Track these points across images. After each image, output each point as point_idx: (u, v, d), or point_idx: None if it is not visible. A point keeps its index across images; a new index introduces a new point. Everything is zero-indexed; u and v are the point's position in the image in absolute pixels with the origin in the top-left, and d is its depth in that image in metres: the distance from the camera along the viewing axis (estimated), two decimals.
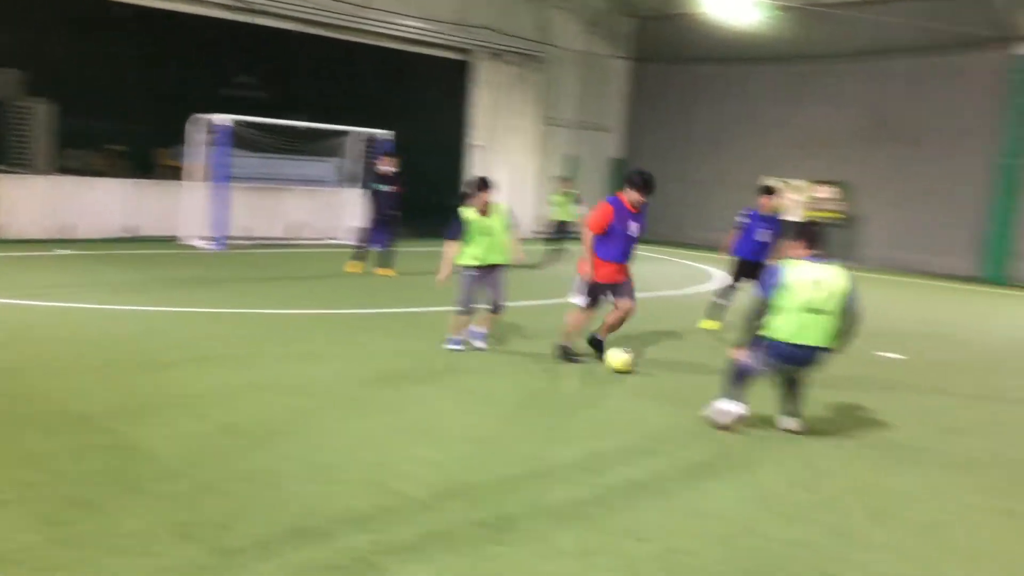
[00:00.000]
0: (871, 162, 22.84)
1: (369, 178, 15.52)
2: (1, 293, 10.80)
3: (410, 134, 21.33)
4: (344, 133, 20.28)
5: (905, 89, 22.33)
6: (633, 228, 8.47)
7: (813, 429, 6.84)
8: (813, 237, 6.61)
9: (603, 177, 27.32)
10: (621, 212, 8.40)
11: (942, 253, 21.69)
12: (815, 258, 6.52)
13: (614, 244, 8.44)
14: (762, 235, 11.11)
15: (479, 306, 9.03)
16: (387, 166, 14.92)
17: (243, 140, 18.32)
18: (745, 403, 6.66)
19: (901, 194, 22.49)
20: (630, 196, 8.39)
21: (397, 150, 19.58)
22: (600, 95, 27.07)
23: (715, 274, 18.33)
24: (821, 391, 7.74)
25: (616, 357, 8.45)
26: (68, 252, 15.40)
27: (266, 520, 4.55)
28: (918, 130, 22.09)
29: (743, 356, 6.59)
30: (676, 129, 26.61)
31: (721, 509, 5.12)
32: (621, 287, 8.63)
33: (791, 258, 6.67)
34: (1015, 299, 17.92)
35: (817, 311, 6.32)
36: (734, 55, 24.95)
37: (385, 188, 14.66)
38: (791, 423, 6.76)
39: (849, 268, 6.72)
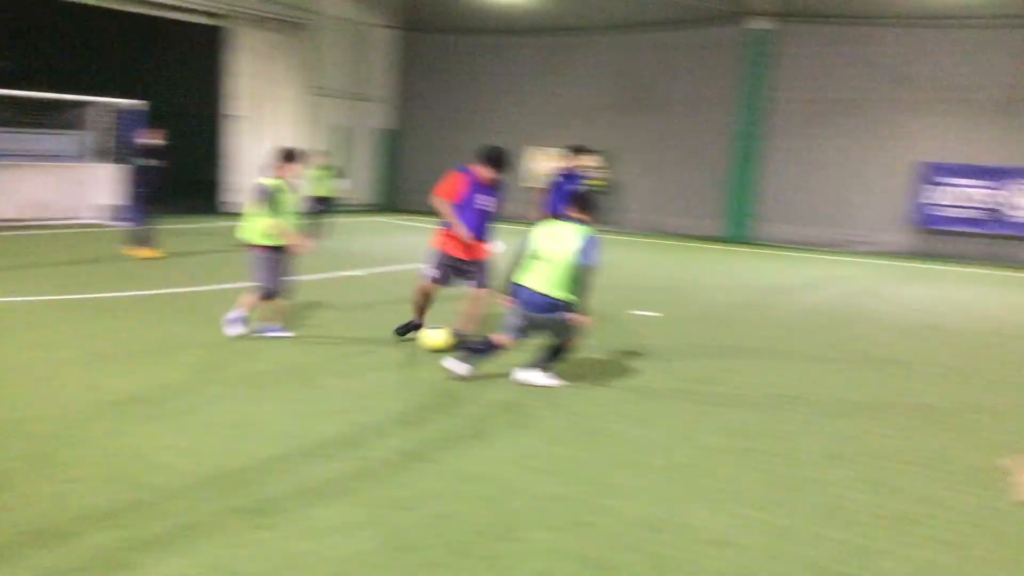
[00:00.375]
0: (629, 131, 24.05)
1: (129, 152, 14.32)
2: None
3: (166, 105, 20.12)
4: (89, 104, 18.78)
5: (656, 61, 23.62)
6: (485, 202, 8.20)
7: (571, 385, 7.15)
8: (583, 203, 7.25)
9: (373, 149, 27.08)
10: (473, 184, 8.19)
11: (695, 216, 23.26)
12: (577, 220, 7.13)
13: (464, 217, 8.14)
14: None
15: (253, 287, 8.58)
16: (152, 139, 13.84)
17: None
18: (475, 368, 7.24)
19: (657, 161, 23.85)
20: (482, 172, 8.19)
21: (152, 122, 18.37)
22: (368, 65, 26.72)
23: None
24: (581, 351, 8.10)
25: (432, 336, 8.22)
26: None
27: None
28: (669, 100, 23.48)
29: (505, 303, 7.27)
30: (445, 100, 26.77)
31: (485, 471, 5.25)
32: (471, 267, 8.25)
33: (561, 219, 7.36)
34: (756, 257, 19.53)
35: (549, 261, 6.96)
36: (497, 27, 25.38)
37: (148, 162, 13.59)
38: (531, 375, 7.22)
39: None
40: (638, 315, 10.79)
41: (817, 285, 15.01)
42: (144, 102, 18.32)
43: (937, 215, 20.68)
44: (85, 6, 20.09)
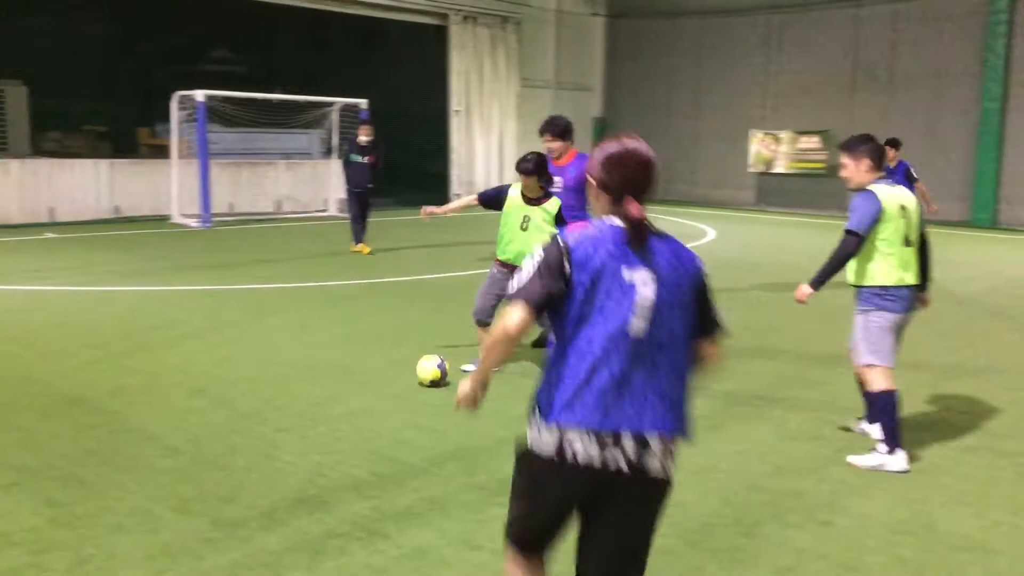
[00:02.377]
0: (851, 110, 22.82)
1: (346, 149, 15.00)
2: None
3: (389, 102, 21.22)
4: (323, 104, 20.08)
5: (882, 34, 22.24)
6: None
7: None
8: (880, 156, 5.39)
9: (586, 138, 27.22)
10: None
11: (937, 200, 21.71)
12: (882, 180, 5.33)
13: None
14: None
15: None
16: (363, 136, 14.51)
17: (222, 115, 18.13)
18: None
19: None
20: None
21: (375, 119, 19.29)
22: (578, 54, 26.89)
23: (708, 231, 18.38)
24: None
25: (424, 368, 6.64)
26: (54, 236, 15.30)
27: (266, 491, 4.59)
28: (899, 76, 22.05)
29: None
30: (656, 85, 26.49)
31: (718, 463, 5.18)
32: None
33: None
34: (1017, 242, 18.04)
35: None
36: (710, 7, 24.85)
37: (359, 159, 14.06)
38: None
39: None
40: None
41: None
42: (366, 100, 19.27)
43: None
44: (316, 11, 21.47)
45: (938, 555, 4.08)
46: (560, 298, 2.65)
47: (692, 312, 2.73)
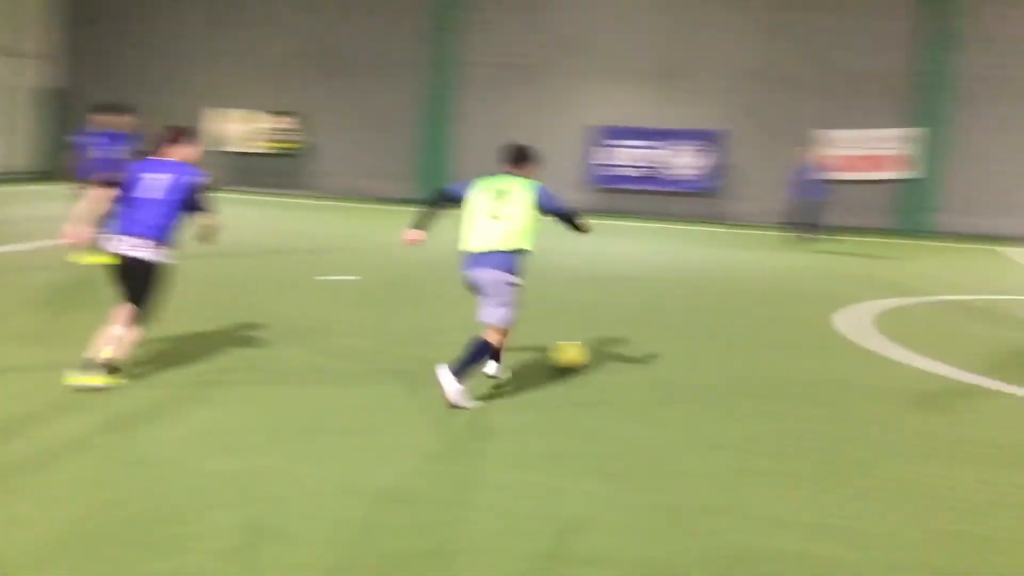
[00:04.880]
0: (317, 91, 23.51)
1: None
2: None
3: None
4: None
5: (339, 19, 23.24)
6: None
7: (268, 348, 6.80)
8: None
9: (28, 110, 24.24)
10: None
11: (387, 179, 23.31)
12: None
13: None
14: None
15: None
16: None
17: None
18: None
19: (348, 124, 23.55)
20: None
21: None
22: (21, 18, 23.78)
23: None
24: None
25: (567, 351, 6.80)
26: None
27: None
28: (355, 61, 23.22)
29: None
30: (125, 55, 24.54)
31: (153, 453, 4.84)
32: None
33: None
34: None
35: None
36: None
37: None
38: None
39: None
40: (333, 280, 10.58)
41: None
42: None
43: (607, 175, 22.34)
44: None
45: (370, 508, 4.22)
46: None
47: None
